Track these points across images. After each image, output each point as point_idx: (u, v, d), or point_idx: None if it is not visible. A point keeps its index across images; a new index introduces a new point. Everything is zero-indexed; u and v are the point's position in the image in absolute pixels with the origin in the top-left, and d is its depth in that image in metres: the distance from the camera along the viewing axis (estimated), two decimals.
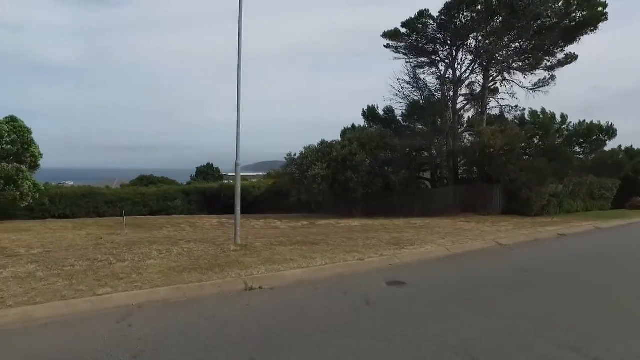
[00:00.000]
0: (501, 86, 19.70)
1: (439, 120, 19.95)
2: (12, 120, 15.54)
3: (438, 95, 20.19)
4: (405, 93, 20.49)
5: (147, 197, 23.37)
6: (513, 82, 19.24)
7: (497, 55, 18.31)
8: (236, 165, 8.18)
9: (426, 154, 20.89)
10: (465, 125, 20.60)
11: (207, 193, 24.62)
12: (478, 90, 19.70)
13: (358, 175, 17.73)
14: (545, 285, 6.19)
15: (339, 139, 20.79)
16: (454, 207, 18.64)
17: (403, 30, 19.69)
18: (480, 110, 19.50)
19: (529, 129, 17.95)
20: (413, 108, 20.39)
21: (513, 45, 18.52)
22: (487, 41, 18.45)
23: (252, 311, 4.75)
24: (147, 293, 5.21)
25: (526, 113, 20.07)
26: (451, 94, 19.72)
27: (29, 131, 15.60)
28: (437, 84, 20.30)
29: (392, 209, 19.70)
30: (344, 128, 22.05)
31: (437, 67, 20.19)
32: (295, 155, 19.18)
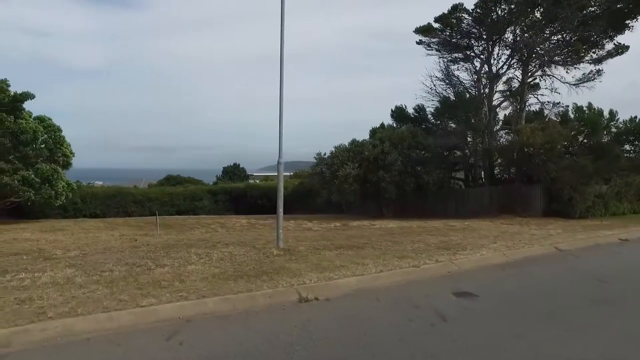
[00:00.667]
0: (541, 81, 18.63)
1: (474, 118, 19.03)
2: (41, 120, 15.47)
3: (473, 92, 19.29)
4: (437, 90, 19.67)
5: (175, 197, 23.20)
6: (554, 77, 18.15)
7: (538, 49, 17.25)
8: (278, 164, 7.64)
9: (459, 153, 20.01)
10: (501, 123, 19.59)
11: (233, 193, 24.28)
12: (516, 86, 18.67)
13: (390, 175, 17.02)
14: (635, 298, 5.40)
15: (368, 138, 20.11)
16: (490, 208, 17.70)
17: (436, 25, 18.85)
18: (518, 107, 18.47)
19: (573, 126, 16.84)
20: (445, 106, 19.51)
21: (555, 38, 17.44)
22: (526, 34, 17.43)
23: (315, 329, 4.15)
24: (194, 304, 4.68)
25: (569, 109, 18.89)
26: (487, 90, 18.77)
27: (59, 129, 15.49)
28: (471, 81, 19.39)
29: (423, 210, 18.90)
30: (373, 128, 21.33)
31: (472, 63, 19.27)
32: (325, 154, 18.58)
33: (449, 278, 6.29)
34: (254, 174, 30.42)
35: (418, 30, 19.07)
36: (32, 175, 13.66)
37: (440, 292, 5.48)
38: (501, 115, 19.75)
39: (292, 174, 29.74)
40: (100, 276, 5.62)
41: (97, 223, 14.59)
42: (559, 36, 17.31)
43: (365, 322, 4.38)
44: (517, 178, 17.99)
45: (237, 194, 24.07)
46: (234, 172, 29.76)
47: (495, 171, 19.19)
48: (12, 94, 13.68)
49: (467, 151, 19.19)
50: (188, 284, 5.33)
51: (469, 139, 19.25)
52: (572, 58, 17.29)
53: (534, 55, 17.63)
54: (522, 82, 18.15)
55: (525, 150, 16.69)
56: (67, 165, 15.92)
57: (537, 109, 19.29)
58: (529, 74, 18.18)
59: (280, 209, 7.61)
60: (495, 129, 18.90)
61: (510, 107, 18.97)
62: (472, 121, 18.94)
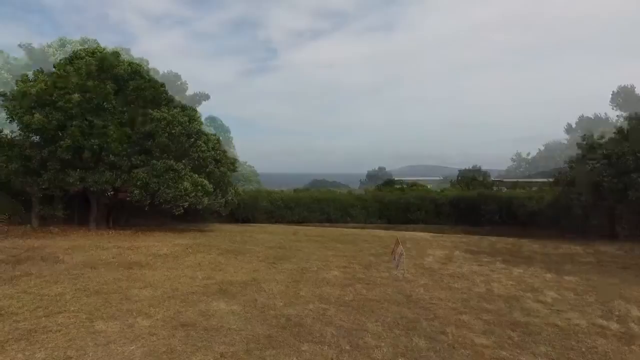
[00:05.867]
0: None
1: None
2: (212, 120, 13.37)
3: None
4: None
5: (324, 204, 20.44)
6: None
7: None
8: None
9: None
10: None
11: (384, 201, 20.59)
12: None
13: None
14: None
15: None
16: None
17: None
18: None
19: None
20: None
21: None
22: None
23: None
24: None
25: None
26: None
27: (228, 130, 13.27)
28: None
29: None
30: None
31: None
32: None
33: None
34: (401, 178, 26.55)
35: None
36: (206, 181, 11.30)
37: None
38: None
39: (440, 178, 25.05)
40: None
41: (272, 237, 11.73)
42: None
43: None
44: None
45: (389, 202, 20.26)
46: (377, 176, 26.06)
47: None
48: (189, 94, 11.74)
49: None
50: None
51: None
52: None
53: None
54: None
55: None
56: (233, 169, 13.60)
57: None
58: None
59: None
60: None
61: None
62: None
